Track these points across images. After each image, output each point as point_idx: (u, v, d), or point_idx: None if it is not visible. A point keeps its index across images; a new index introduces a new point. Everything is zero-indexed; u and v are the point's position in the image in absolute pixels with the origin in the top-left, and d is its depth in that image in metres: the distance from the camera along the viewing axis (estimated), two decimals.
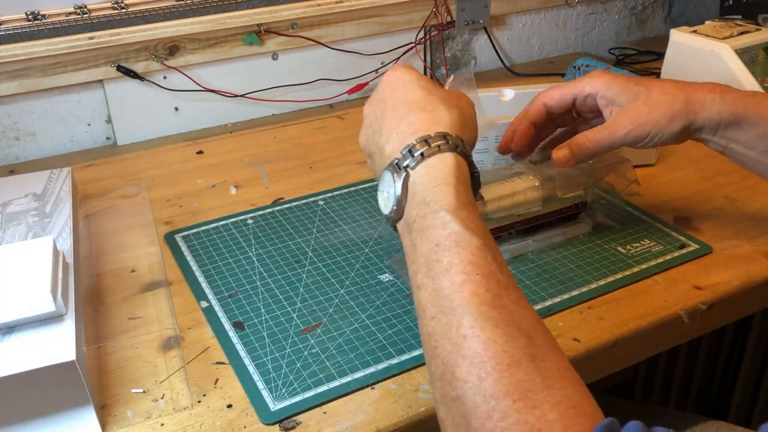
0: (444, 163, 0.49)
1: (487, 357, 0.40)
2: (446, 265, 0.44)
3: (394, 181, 0.49)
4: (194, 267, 0.71)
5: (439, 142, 0.49)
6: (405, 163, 0.49)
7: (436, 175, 0.48)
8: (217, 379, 0.57)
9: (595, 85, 0.65)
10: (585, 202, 0.73)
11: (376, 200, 0.54)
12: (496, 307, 0.42)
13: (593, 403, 0.40)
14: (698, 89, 0.64)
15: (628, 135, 0.63)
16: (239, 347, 0.60)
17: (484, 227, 0.47)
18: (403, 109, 0.53)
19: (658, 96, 0.63)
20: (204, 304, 0.66)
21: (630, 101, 0.63)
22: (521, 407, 0.38)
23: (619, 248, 0.72)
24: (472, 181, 0.51)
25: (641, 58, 1.27)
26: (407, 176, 0.49)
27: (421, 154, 0.49)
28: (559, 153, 0.65)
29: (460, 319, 0.42)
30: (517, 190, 0.68)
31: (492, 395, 0.39)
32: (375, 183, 0.85)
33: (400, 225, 0.50)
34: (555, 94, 0.67)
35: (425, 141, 0.50)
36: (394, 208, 0.49)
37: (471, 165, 0.51)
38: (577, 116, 0.70)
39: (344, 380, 0.56)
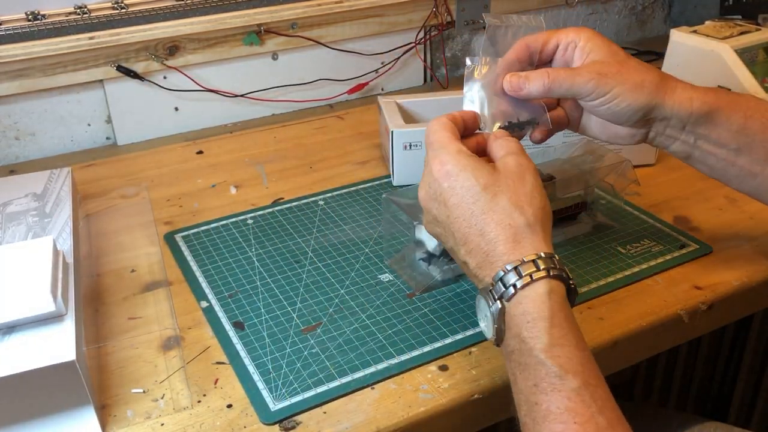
0: (536, 293, 0.47)
1: None
2: (544, 411, 0.44)
3: (490, 310, 0.48)
4: (194, 267, 0.71)
5: (530, 271, 0.47)
6: (500, 294, 0.48)
7: (528, 309, 0.47)
8: (217, 379, 0.57)
9: (580, 34, 0.60)
10: (585, 202, 0.73)
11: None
12: None
13: None
14: (672, 77, 0.60)
15: (588, 83, 0.57)
16: (239, 347, 0.60)
17: (583, 361, 0.46)
18: (474, 222, 0.50)
19: (636, 64, 0.59)
20: (204, 304, 0.66)
21: (606, 56, 0.59)
22: None
23: (619, 248, 0.72)
24: (569, 293, 0.49)
25: (641, 58, 1.26)
26: (503, 308, 0.48)
27: (514, 285, 0.47)
28: (513, 78, 0.59)
29: None
30: None
31: None
32: (375, 182, 0.85)
33: (502, 348, 0.49)
34: (539, 36, 0.62)
35: (515, 269, 0.47)
36: (494, 337, 0.49)
37: (565, 280, 0.49)
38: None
39: (344, 380, 0.56)
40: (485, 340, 0.60)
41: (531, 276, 0.47)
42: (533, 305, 0.47)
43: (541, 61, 0.63)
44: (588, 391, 0.44)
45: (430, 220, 0.54)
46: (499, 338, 0.48)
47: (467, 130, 0.57)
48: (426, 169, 0.54)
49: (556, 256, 0.49)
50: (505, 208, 0.49)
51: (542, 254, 0.48)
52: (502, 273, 0.48)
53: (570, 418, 0.43)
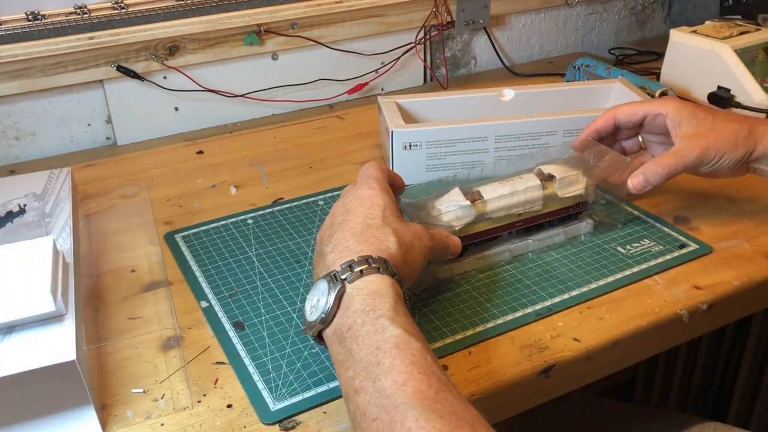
0: (382, 281, 0.51)
1: None
2: (387, 367, 0.45)
3: (329, 291, 0.51)
4: (194, 267, 0.71)
5: (379, 265, 0.52)
6: (343, 276, 0.51)
7: (373, 289, 0.50)
8: (217, 379, 0.57)
9: (666, 107, 0.72)
10: (586, 201, 0.73)
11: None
12: (440, 401, 0.43)
13: None
14: (760, 121, 0.70)
15: (697, 158, 0.68)
16: (239, 347, 0.60)
17: (420, 335, 0.48)
18: (359, 227, 0.55)
19: (724, 124, 0.69)
20: (204, 304, 0.66)
21: (697, 126, 0.70)
22: None
23: (619, 248, 0.72)
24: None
25: (641, 58, 1.27)
26: (342, 288, 0.51)
27: (360, 271, 0.51)
28: (635, 180, 0.70)
29: (404, 414, 0.42)
30: (517, 189, 0.68)
31: None
32: None
33: (327, 334, 0.51)
34: (627, 109, 0.74)
35: (366, 260, 0.52)
36: (323, 316, 0.50)
37: (404, 297, 0.53)
38: (642, 143, 0.78)
39: None
40: (484, 340, 0.60)
41: (379, 268, 0.51)
42: (379, 288, 0.50)
43: (629, 128, 0.76)
44: (429, 354, 0.46)
45: (326, 226, 0.59)
46: (328, 319, 0.50)
47: (392, 184, 0.64)
48: (352, 188, 0.61)
49: (403, 280, 0.54)
50: (386, 233, 0.55)
51: (393, 265, 0.53)
52: (352, 261, 0.52)
53: (414, 369, 0.44)
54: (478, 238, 0.68)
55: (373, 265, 0.51)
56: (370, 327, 0.47)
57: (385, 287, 0.50)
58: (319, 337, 0.52)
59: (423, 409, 0.42)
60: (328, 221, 0.59)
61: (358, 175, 0.62)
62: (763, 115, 0.94)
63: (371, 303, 0.49)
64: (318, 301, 0.51)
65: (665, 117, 0.71)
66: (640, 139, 0.78)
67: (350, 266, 0.51)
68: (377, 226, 0.55)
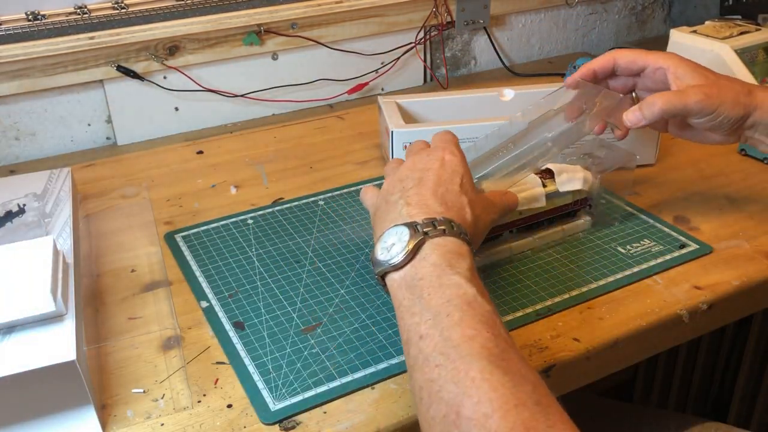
0: (460, 246, 0.52)
1: (495, 397, 0.41)
2: (457, 320, 0.46)
3: (409, 238, 0.51)
4: (194, 267, 0.71)
5: (460, 230, 0.52)
6: (426, 230, 0.51)
7: (452, 248, 0.51)
8: (217, 379, 0.57)
9: (668, 61, 0.69)
10: (587, 198, 0.73)
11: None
12: (505, 359, 0.43)
13: None
14: (759, 87, 0.68)
15: (698, 103, 0.65)
16: (239, 347, 0.60)
17: (491, 301, 0.49)
18: (439, 189, 0.55)
19: (726, 82, 0.67)
20: (204, 304, 0.66)
21: (699, 79, 0.67)
22: None
23: (619, 248, 0.72)
24: None
25: None
26: (423, 240, 0.51)
27: (443, 230, 0.51)
28: (630, 114, 0.68)
29: (469, 365, 0.43)
30: (521, 188, 0.68)
31: (496, 430, 0.40)
32: (375, 182, 0.85)
33: (393, 277, 0.51)
34: (629, 54, 0.71)
35: (449, 222, 0.52)
36: (396, 261, 0.51)
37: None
38: (636, 98, 0.74)
39: (344, 380, 0.56)
40: None
41: (460, 233, 0.52)
42: (459, 248, 0.51)
43: (625, 75, 0.73)
44: (499, 319, 0.47)
45: (399, 179, 0.58)
46: (402, 264, 0.50)
47: None
48: (425, 149, 0.61)
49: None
50: (464, 202, 0.56)
51: (469, 234, 0.54)
52: (437, 218, 0.52)
53: (483, 327, 0.45)
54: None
55: (454, 229, 0.52)
56: (445, 280, 0.48)
57: (464, 251, 0.51)
58: (381, 278, 0.53)
59: (488, 363, 0.42)
60: (400, 174, 0.58)
61: (432, 139, 0.62)
62: None
63: (449, 260, 0.50)
64: (393, 245, 0.51)
65: (666, 70, 0.69)
66: (633, 95, 0.75)
67: (433, 223, 0.52)
68: (456, 192, 0.56)
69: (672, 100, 0.66)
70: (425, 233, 0.51)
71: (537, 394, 0.42)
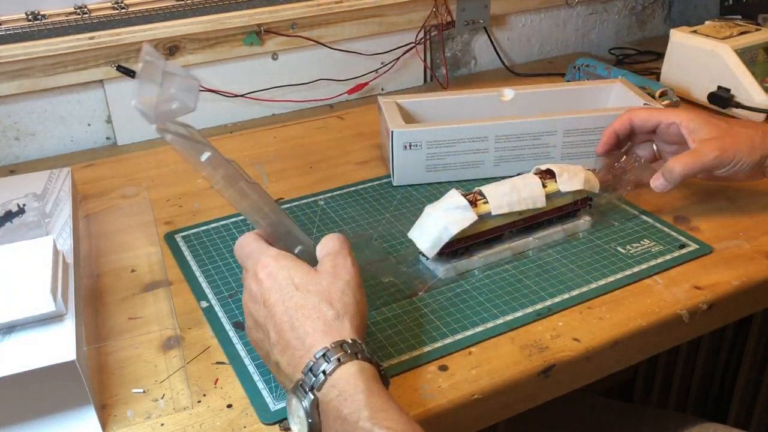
0: (349, 373, 0.47)
1: None
2: None
3: (302, 406, 0.47)
4: (194, 267, 0.71)
5: (338, 354, 0.48)
6: (310, 384, 0.47)
7: (344, 388, 0.46)
8: (217, 379, 0.57)
9: (680, 116, 0.73)
10: (587, 198, 0.73)
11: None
12: None
13: None
14: None
15: (715, 159, 0.69)
16: (239, 347, 0.60)
17: (405, 420, 0.45)
18: (286, 318, 0.50)
19: (739, 129, 0.71)
20: (204, 304, 0.66)
21: (711, 131, 0.71)
22: None
23: (619, 248, 0.72)
24: (382, 377, 0.49)
25: (641, 58, 1.27)
26: (315, 399, 0.47)
27: (323, 371, 0.47)
28: (656, 181, 0.72)
29: None
30: (518, 187, 0.68)
31: None
32: (375, 182, 0.85)
33: None
34: (643, 114, 0.76)
35: (324, 356, 0.48)
36: None
37: (375, 364, 0.49)
38: (657, 152, 0.79)
39: None
40: (484, 340, 0.60)
41: (339, 359, 0.47)
42: (347, 383, 0.47)
43: (642, 133, 0.77)
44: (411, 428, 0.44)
45: (251, 326, 0.54)
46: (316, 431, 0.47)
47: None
48: (247, 275, 0.55)
49: (364, 346, 0.49)
50: (315, 303, 0.50)
51: (349, 340, 0.49)
52: (311, 362, 0.48)
53: None
54: (479, 238, 0.68)
55: (332, 359, 0.47)
56: None
57: (354, 380, 0.47)
58: None
59: None
60: (250, 321, 0.54)
61: (239, 260, 0.56)
62: (763, 116, 0.94)
63: (347, 407, 0.46)
64: (299, 417, 0.48)
65: (679, 125, 0.73)
66: (654, 147, 0.79)
67: (311, 370, 0.48)
68: (301, 304, 0.51)
69: (689, 162, 0.70)
70: (312, 389, 0.47)
71: None
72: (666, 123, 0.74)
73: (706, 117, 0.72)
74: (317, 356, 0.48)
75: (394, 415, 0.45)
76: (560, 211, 0.72)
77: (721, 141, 0.70)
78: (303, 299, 0.51)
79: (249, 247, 0.55)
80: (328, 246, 0.56)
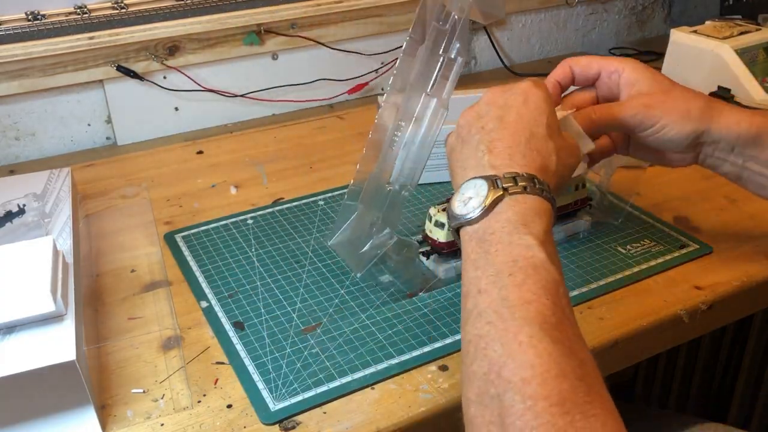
0: (540, 204, 0.49)
1: (537, 363, 0.40)
2: (519, 281, 0.44)
3: (488, 192, 0.48)
4: (194, 267, 0.71)
5: (542, 186, 0.49)
6: (506, 185, 0.48)
7: (532, 206, 0.48)
8: (217, 379, 0.57)
9: (624, 64, 0.64)
10: (587, 197, 0.73)
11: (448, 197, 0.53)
12: (558, 330, 0.42)
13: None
14: (724, 104, 0.62)
15: (635, 117, 0.60)
16: (239, 347, 0.60)
17: (561, 269, 0.47)
18: (523, 133, 0.51)
19: (681, 91, 0.62)
20: (204, 304, 0.66)
21: (651, 87, 0.62)
22: (555, 412, 0.38)
23: (619, 248, 0.72)
24: None
25: (641, 58, 1.26)
26: (502, 196, 0.48)
27: (524, 187, 0.48)
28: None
29: (519, 328, 0.42)
30: None
31: (531, 396, 0.39)
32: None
33: (467, 230, 0.49)
34: (582, 60, 0.67)
35: (532, 179, 0.49)
36: (472, 216, 0.48)
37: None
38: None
39: (344, 380, 0.56)
40: None
41: (541, 190, 0.49)
42: (535, 207, 0.48)
43: (583, 83, 0.67)
44: (563, 288, 0.45)
45: (478, 114, 0.54)
46: (478, 218, 0.48)
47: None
48: (508, 87, 0.55)
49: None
50: (550, 149, 0.52)
51: (549, 186, 0.50)
52: (519, 174, 0.49)
53: (544, 294, 0.43)
54: None
55: (537, 186, 0.49)
56: (516, 239, 0.46)
57: (543, 210, 0.48)
58: (456, 231, 0.51)
59: (539, 329, 0.41)
60: (479, 109, 0.54)
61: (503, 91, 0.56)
62: None
63: (525, 219, 0.47)
64: (471, 198, 0.49)
65: (620, 75, 0.63)
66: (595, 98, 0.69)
67: (514, 178, 0.49)
68: (542, 137, 0.52)
69: (605, 114, 0.61)
70: (505, 189, 0.48)
71: (582, 370, 0.41)
72: (608, 71, 0.64)
73: (653, 72, 0.63)
74: (525, 174, 0.49)
75: (557, 257, 0.47)
76: (560, 210, 0.72)
77: (651, 98, 0.61)
78: (545, 136, 0.52)
79: (541, 82, 0.57)
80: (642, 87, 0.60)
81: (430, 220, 0.67)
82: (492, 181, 0.49)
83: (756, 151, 0.61)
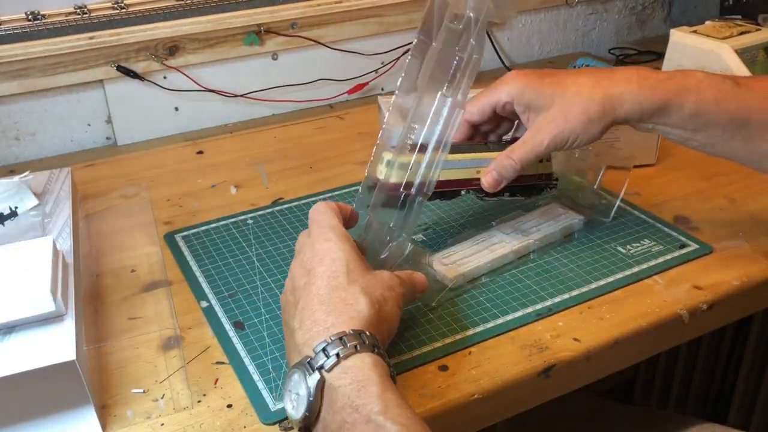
0: (363, 363, 0.46)
1: None
2: None
3: (307, 384, 0.46)
4: (194, 267, 0.71)
5: (355, 342, 0.47)
6: (319, 363, 0.47)
7: (356, 377, 0.46)
8: (217, 379, 0.57)
9: (511, 92, 0.65)
10: (551, 174, 0.72)
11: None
12: None
13: None
14: (614, 82, 0.63)
15: (549, 147, 0.64)
16: (239, 347, 0.60)
17: (417, 420, 0.45)
18: (324, 291, 0.51)
19: (572, 98, 0.63)
20: (204, 304, 0.66)
21: (546, 107, 0.64)
22: None
23: (619, 248, 0.72)
24: (391, 378, 0.48)
25: (641, 58, 1.27)
26: (322, 379, 0.46)
27: (337, 354, 0.46)
28: (488, 178, 0.66)
29: None
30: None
31: None
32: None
33: (316, 429, 0.47)
34: (474, 109, 0.68)
35: (341, 339, 0.47)
36: (306, 414, 0.46)
37: (387, 362, 0.49)
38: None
39: None
40: (484, 340, 0.60)
41: (356, 347, 0.47)
42: (361, 373, 0.46)
43: (497, 122, 0.71)
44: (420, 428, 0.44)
45: (288, 288, 0.56)
46: (313, 415, 0.46)
47: (346, 222, 0.60)
48: (307, 240, 0.56)
49: (382, 348, 0.50)
50: (355, 294, 0.51)
51: (367, 333, 0.49)
52: (326, 342, 0.47)
53: None
54: (439, 188, 0.65)
55: (349, 345, 0.47)
56: (364, 426, 0.44)
57: (368, 371, 0.46)
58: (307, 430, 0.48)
59: None
60: (289, 285, 0.55)
61: (309, 221, 0.58)
62: None
63: (358, 396, 0.45)
64: (297, 395, 0.47)
65: (512, 104, 0.66)
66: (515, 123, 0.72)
67: (324, 350, 0.47)
68: (343, 287, 0.51)
69: (522, 155, 0.64)
70: (321, 368, 0.46)
71: None
72: (500, 105, 0.67)
73: (538, 86, 0.64)
74: (333, 338, 0.47)
75: (407, 413, 0.45)
76: (522, 181, 0.69)
77: (554, 124, 0.63)
78: (346, 284, 0.52)
79: (323, 215, 0.57)
80: (404, 274, 0.58)
81: (382, 162, 0.64)
82: (306, 366, 0.47)
83: (662, 120, 0.63)
